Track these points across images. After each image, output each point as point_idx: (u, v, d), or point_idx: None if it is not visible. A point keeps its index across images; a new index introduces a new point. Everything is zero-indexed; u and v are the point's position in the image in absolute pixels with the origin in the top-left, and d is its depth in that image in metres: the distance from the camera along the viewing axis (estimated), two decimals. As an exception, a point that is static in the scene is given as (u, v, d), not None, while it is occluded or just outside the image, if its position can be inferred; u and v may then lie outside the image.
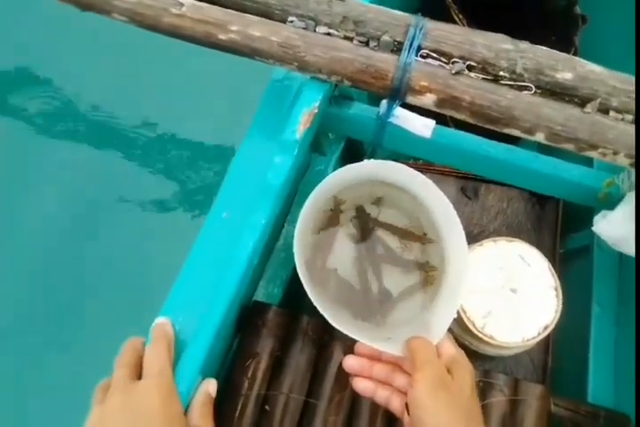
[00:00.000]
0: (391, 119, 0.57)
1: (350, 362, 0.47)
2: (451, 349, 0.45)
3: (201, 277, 0.49)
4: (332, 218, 0.59)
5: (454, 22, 0.79)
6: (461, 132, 0.62)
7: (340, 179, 0.53)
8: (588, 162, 0.62)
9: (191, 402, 0.44)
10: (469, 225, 0.77)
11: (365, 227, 0.62)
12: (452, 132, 0.62)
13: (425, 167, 0.78)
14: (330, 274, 0.59)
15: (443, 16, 0.79)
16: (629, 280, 0.69)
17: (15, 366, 1.09)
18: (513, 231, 0.76)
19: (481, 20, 0.75)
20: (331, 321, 0.45)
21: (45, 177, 1.24)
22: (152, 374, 0.41)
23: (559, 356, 0.69)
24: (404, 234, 0.61)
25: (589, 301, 0.69)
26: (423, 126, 0.56)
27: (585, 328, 0.68)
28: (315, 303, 0.45)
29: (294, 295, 0.54)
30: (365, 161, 0.52)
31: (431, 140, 0.58)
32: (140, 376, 0.42)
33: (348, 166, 0.52)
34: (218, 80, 1.28)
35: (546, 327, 0.59)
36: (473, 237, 0.75)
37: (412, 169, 0.51)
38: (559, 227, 0.77)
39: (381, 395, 0.45)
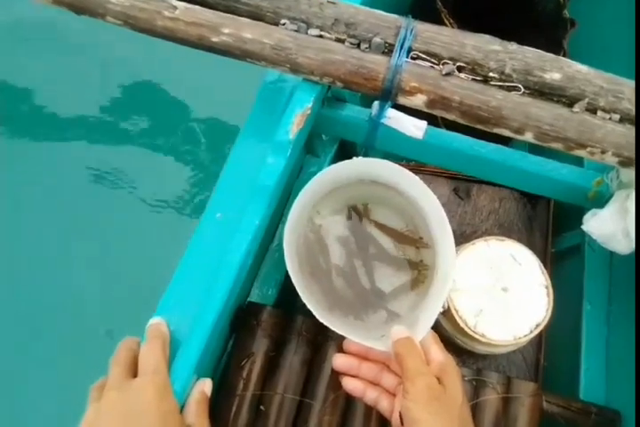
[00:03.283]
0: (383, 120, 0.57)
1: (339, 360, 0.47)
2: (439, 354, 0.45)
3: (195, 278, 0.50)
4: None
5: (445, 26, 0.80)
6: (452, 133, 0.63)
7: (331, 175, 0.53)
8: (580, 162, 0.63)
9: (186, 401, 0.44)
10: (462, 225, 0.77)
11: (358, 227, 0.62)
12: (443, 132, 0.63)
13: (417, 168, 0.79)
14: (331, 273, 0.60)
15: (433, 20, 0.80)
16: (620, 279, 0.69)
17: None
18: (505, 231, 0.77)
19: (471, 24, 0.76)
20: (319, 317, 0.45)
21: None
22: (147, 371, 0.42)
23: (552, 354, 0.70)
24: (400, 237, 0.62)
25: (581, 299, 0.70)
26: (415, 127, 0.57)
27: (577, 326, 0.68)
28: (304, 301, 0.46)
29: (289, 296, 0.55)
30: (354, 158, 0.52)
31: (423, 141, 0.58)
32: (135, 375, 0.42)
33: (339, 164, 0.53)
34: (212, 82, 1.29)
35: (537, 325, 0.60)
36: (465, 237, 0.75)
37: (401, 167, 0.52)
38: (550, 226, 0.78)
39: (370, 396, 0.46)
